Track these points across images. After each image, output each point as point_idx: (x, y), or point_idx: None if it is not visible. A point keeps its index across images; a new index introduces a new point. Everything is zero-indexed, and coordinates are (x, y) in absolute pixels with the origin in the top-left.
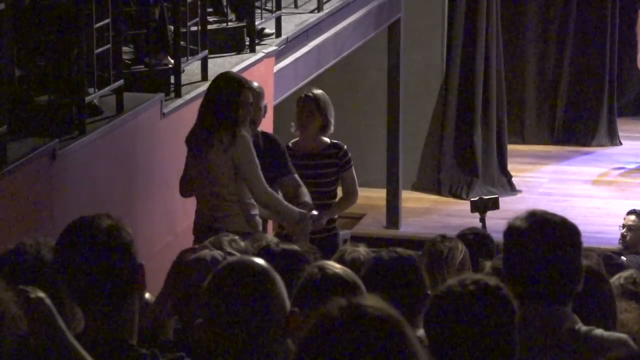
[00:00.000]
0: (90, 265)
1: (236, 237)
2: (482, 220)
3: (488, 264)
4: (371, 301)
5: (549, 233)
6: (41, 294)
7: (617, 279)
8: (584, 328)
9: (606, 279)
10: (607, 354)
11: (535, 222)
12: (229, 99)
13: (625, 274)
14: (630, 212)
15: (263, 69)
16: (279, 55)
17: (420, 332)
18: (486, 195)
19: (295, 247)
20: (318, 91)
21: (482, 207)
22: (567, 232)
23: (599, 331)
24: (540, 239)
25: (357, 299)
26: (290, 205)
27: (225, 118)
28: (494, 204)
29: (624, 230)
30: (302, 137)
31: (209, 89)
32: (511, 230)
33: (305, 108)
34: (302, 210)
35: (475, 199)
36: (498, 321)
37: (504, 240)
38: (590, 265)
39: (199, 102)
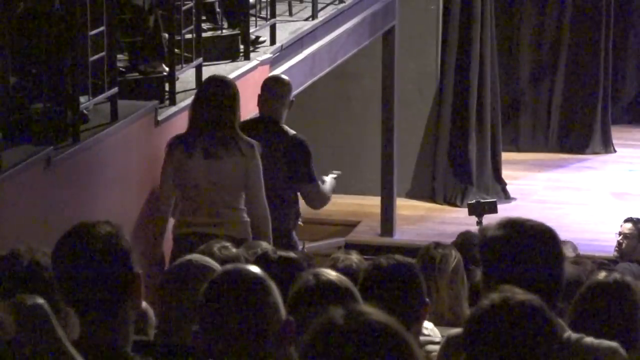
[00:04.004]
0: (87, 272)
1: (227, 244)
2: (480, 224)
3: (479, 272)
4: (371, 309)
5: (525, 240)
6: (40, 301)
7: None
8: (574, 336)
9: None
10: None
11: (510, 230)
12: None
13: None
14: (626, 220)
15: (257, 76)
16: (273, 63)
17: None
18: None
19: (292, 254)
20: None
21: (479, 210)
22: (544, 237)
23: (589, 339)
24: (516, 247)
25: (358, 307)
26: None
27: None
28: (492, 208)
29: (620, 237)
30: None
31: (215, 94)
32: (486, 241)
33: None
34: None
35: (472, 201)
36: (540, 344)
37: (480, 252)
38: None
39: None
